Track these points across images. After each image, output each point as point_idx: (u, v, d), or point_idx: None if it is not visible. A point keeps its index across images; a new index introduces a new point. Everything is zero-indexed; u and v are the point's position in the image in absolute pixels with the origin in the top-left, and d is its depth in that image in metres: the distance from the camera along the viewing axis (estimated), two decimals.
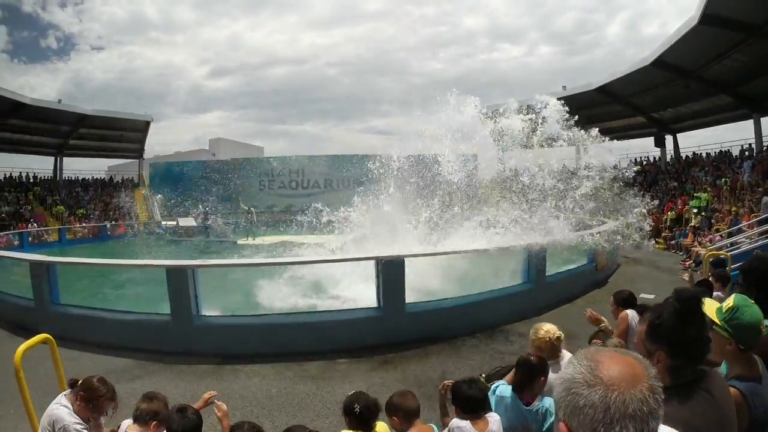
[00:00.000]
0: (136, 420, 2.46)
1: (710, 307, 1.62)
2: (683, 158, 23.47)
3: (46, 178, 29.18)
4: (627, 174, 9.30)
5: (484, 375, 3.37)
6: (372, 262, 6.32)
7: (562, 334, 2.97)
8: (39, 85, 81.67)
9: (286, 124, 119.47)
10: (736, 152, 20.48)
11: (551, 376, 2.63)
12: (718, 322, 1.62)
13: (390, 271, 6.13)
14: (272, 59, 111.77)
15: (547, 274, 7.80)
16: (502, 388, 2.72)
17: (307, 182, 31.17)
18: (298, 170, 31.22)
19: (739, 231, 11.99)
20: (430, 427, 2.56)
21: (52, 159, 29.58)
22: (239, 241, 20.45)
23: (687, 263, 11.57)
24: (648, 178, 22.75)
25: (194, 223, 24.42)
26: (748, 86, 18.10)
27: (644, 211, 9.75)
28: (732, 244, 11.22)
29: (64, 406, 2.56)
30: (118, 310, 6.76)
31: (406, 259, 6.23)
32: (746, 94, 18.62)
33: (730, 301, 1.67)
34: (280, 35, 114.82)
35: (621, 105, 24.07)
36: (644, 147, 26.89)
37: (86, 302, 7.21)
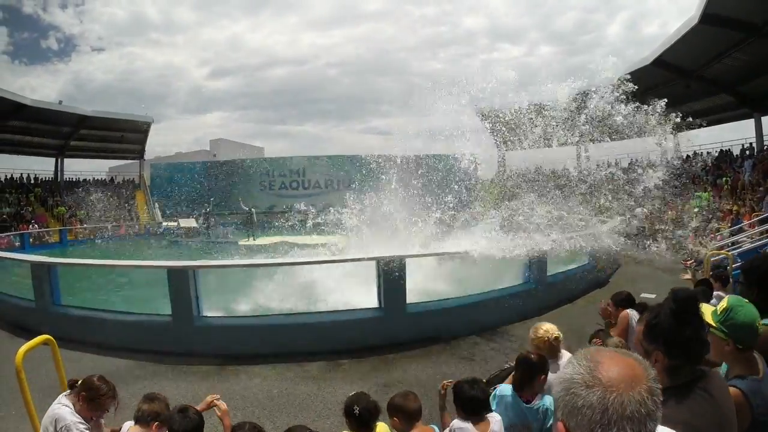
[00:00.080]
0: (137, 421, 2.46)
1: (706, 311, 1.62)
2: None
3: (46, 179, 29.22)
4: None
5: (485, 379, 3.37)
6: (373, 263, 6.33)
7: (561, 334, 2.97)
8: (39, 87, 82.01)
9: (287, 125, 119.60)
10: (736, 151, 20.48)
11: (550, 375, 2.62)
12: (714, 324, 1.63)
13: (391, 272, 6.13)
14: (272, 60, 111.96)
15: (548, 274, 7.80)
16: (502, 387, 2.72)
17: (308, 182, 31.19)
18: (299, 170, 31.25)
19: (740, 230, 11.99)
20: (431, 428, 2.55)
21: (52, 160, 29.62)
22: (240, 242, 20.44)
23: (688, 263, 11.56)
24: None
25: (195, 224, 24.43)
26: (749, 85, 18.07)
27: (645, 210, 9.71)
28: (733, 244, 11.21)
29: (66, 405, 2.58)
30: (119, 311, 6.77)
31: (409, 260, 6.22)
32: (747, 93, 18.60)
33: (724, 303, 1.69)
34: (280, 36, 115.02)
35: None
36: (645, 146, 26.77)
37: (87, 303, 7.23)
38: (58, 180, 29.42)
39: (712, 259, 7.86)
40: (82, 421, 2.54)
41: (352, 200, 10.57)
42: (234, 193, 29.88)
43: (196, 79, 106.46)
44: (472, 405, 2.41)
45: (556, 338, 2.92)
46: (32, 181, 28.20)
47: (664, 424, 0.99)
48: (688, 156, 19.07)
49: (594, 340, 3.55)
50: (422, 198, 10.27)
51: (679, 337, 1.31)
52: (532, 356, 2.67)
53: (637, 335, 1.48)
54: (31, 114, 24.31)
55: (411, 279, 6.35)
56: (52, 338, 3.06)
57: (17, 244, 19.79)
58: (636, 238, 10.45)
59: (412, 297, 6.41)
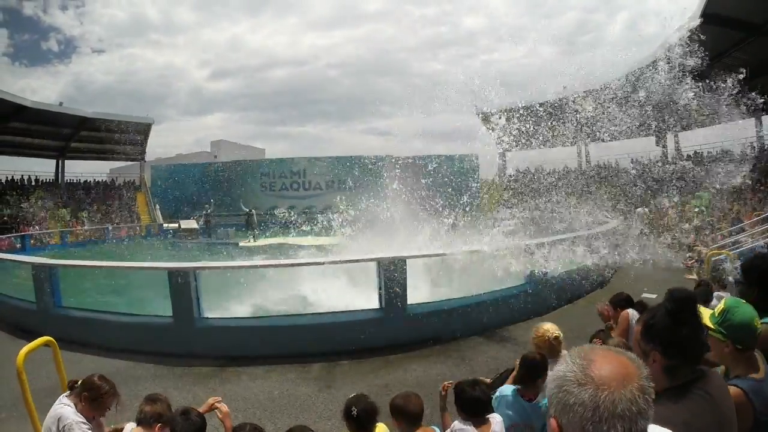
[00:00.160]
0: (140, 423, 2.46)
1: (705, 314, 1.63)
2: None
3: (47, 180, 29.26)
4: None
5: (490, 380, 3.36)
6: (374, 264, 6.33)
7: (561, 334, 2.98)
8: (40, 88, 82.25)
9: (287, 126, 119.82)
10: (737, 151, 20.45)
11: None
12: (713, 326, 1.63)
13: (391, 273, 6.13)
14: (273, 61, 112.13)
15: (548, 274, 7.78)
16: (503, 387, 2.72)
17: (308, 184, 31.19)
18: (299, 172, 31.24)
19: (741, 230, 11.99)
20: (432, 429, 2.56)
21: (53, 162, 29.68)
22: (241, 243, 20.45)
23: (690, 263, 11.55)
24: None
25: (196, 226, 24.45)
26: (749, 85, 18.00)
27: (646, 210, 9.71)
28: (734, 243, 11.21)
29: (68, 405, 2.59)
30: (120, 313, 6.78)
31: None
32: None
33: (721, 305, 1.69)
34: (280, 37, 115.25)
35: None
36: (645, 146, 26.79)
37: (88, 305, 7.23)
38: (59, 182, 29.47)
39: (712, 258, 7.87)
40: (85, 421, 2.55)
41: (354, 203, 10.56)
42: (234, 194, 29.89)
43: (196, 80, 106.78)
44: (473, 406, 2.41)
45: (556, 338, 2.93)
46: (33, 183, 28.24)
47: (664, 424, 0.99)
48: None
49: (594, 340, 3.55)
50: (433, 201, 10.14)
51: (675, 337, 1.31)
52: (535, 356, 2.67)
53: (635, 335, 1.48)
54: (32, 116, 24.37)
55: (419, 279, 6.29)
56: (53, 340, 3.07)
57: (18, 245, 19.82)
58: (637, 237, 10.42)
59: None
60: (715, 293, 4.58)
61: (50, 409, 2.61)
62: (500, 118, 8.94)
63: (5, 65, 71.52)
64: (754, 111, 7.20)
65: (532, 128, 8.87)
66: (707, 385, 1.29)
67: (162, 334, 6.12)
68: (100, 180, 32.66)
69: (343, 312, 6.44)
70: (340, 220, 10.85)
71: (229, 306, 7.12)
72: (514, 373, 2.85)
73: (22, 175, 28.08)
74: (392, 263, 6.15)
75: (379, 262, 6.21)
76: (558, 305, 7.55)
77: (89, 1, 76.70)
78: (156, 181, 32.27)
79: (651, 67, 7.96)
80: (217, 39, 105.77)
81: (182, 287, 5.92)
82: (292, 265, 7.41)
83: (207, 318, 6.17)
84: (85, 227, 25.18)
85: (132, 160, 33.46)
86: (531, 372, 2.60)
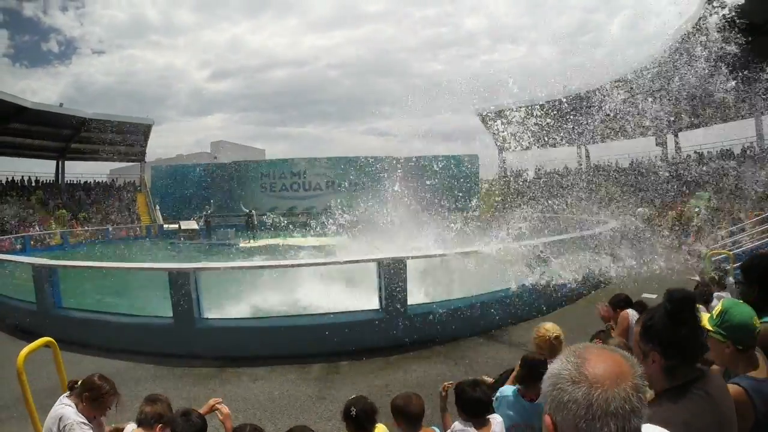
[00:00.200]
0: (140, 424, 2.46)
1: (704, 317, 1.64)
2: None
3: (48, 181, 29.30)
4: None
5: (493, 379, 3.36)
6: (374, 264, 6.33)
7: (562, 334, 2.98)
8: (40, 89, 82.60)
9: (287, 126, 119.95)
10: (737, 150, 20.46)
11: None
12: (712, 328, 1.64)
13: (392, 273, 6.13)
14: (273, 62, 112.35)
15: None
16: (503, 388, 2.72)
17: (308, 184, 31.21)
18: (299, 172, 31.28)
19: (741, 230, 11.99)
20: (432, 429, 2.56)
21: (53, 163, 29.74)
22: (241, 244, 20.47)
23: (691, 262, 11.54)
24: None
25: (196, 226, 24.48)
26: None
27: (646, 210, 9.68)
28: (734, 243, 11.21)
29: (69, 405, 2.59)
30: (120, 314, 6.78)
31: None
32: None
33: (719, 306, 1.70)
34: (280, 38, 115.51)
35: None
36: (645, 146, 26.82)
37: (88, 305, 7.24)
38: (59, 182, 29.50)
39: (713, 258, 7.87)
40: (86, 421, 2.56)
41: (359, 204, 10.56)
42: (235, 195, 29.92)
43: (196, 81, 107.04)
44: (474, 406, 2.41)
45: (557, 338, 2.93)
46: (33, 184, 28.27)
47: (664, 425, 0.99)
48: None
49: (595, 340, 3.55)
50: (437, 202, 10.10)
51: (674, 338, 1.31)
52: (537, 356, 2.68)
53: (635, 336, 1.49)
54: (32, 117, 24.40)
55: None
56: (53, 340, 3.07)
57: (18, 246, 19.83)
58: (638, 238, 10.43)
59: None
60: (715, 294, 4.58)
61: (51, 410, 2.61)
62: (522, 114, 8.91)
63: (5, 66, 71.81)
64: None
65: (553, 123, 8.80)
66: (707, 385, 1.29)
67: (162, 335, 6.12)
68: (101, 181, 32.75)
69: (343, 312, 6.44)
70: (341, 220, 10.84)
71: (231, 306, 7.13)
72: (515, 373, 2.85)
73: (23, 176, 28.13)
74: (392, 264, 6.15)
75: (380, 262, 6.21)
76: (558, 305, 7.55)
77: (89, 2, 77.00)
78: (156, 182, 32.33)
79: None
80: (218, 40, 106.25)
81: (182, 288, 5.92)
82: (293, 265, 7.42)
83: (207, 319, 6.17)
84: (86, 228, 25.20)
85: (132, 161, 33.55)
86: (532, 372, 2.60)
